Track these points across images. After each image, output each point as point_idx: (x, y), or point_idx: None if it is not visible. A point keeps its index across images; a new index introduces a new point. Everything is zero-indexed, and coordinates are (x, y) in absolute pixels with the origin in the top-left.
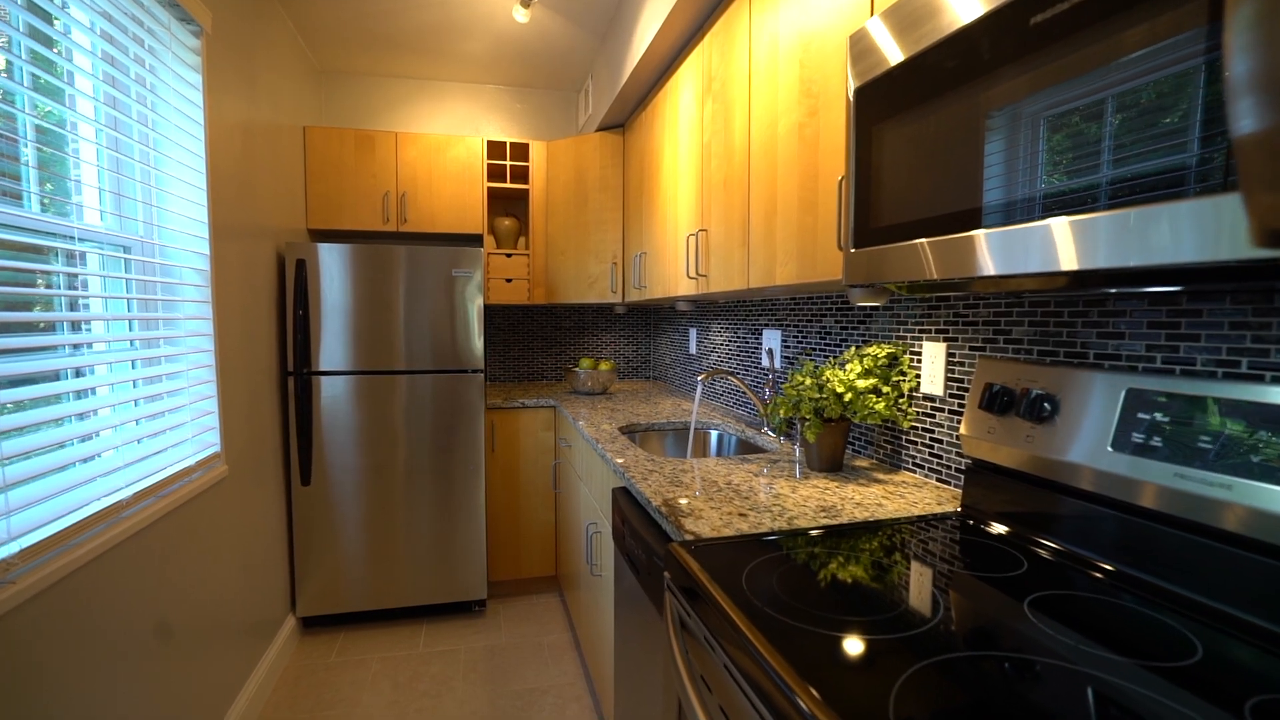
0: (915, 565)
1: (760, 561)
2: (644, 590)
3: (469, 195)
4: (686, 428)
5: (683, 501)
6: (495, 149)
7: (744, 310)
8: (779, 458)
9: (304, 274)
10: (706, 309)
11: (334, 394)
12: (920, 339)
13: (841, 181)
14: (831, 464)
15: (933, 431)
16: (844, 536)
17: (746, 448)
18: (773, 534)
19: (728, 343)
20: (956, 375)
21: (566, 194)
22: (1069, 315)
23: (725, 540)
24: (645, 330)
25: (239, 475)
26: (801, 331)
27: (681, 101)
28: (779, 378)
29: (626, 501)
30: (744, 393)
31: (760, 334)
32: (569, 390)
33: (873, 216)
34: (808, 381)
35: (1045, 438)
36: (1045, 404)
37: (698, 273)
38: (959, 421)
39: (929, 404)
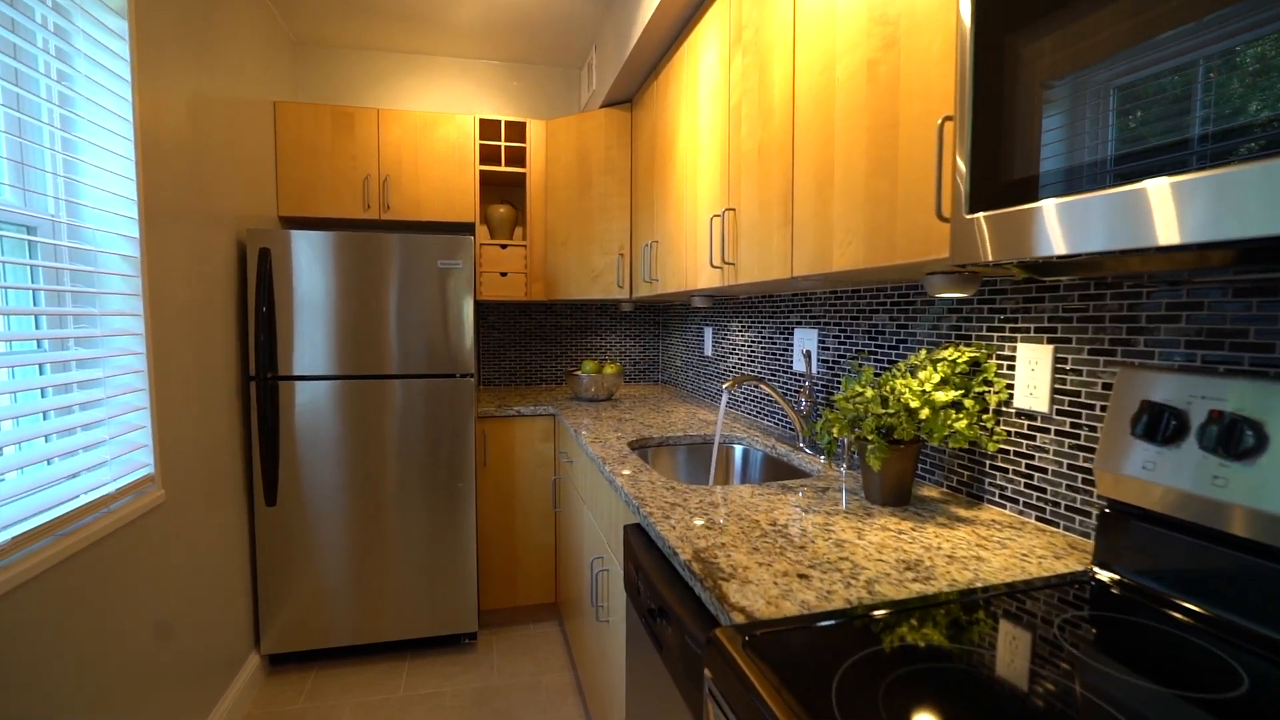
0: (1081, 671)
1: (852, 665)
2: (666, 668)
3: (459, 179)
4: (705, 442)
5: (719, 552)
6: (489, 128)
7: (770, 306)
8: (825, 483)
9: (268, 265)
10: (724, 305)
11: (303, 402)
12: (1014, 339)
13: (944, 124)
14: (898, 496)
15: (1031, 457)
16: (953, 613)
17: (778, 468)
18: (854, 612)
19: (750, 343)
20: (1068, 386)
21: (568, 178)
22: (1259, 307)
23: (790, 624)
24: (654, 329)
25: (182, 499)
26: (844, 331)
27: (702, 61)
28: (816, 385)
29: (642, 545)
30: (770, 400)
31: (791, 333)
32: (570, 396)
33: (1005, 166)
34: (868, 393)
35: (1249, 481)
36: (1247, 432)
37: (723, 261)
38: (1072, 446)
39: (1025, 422)
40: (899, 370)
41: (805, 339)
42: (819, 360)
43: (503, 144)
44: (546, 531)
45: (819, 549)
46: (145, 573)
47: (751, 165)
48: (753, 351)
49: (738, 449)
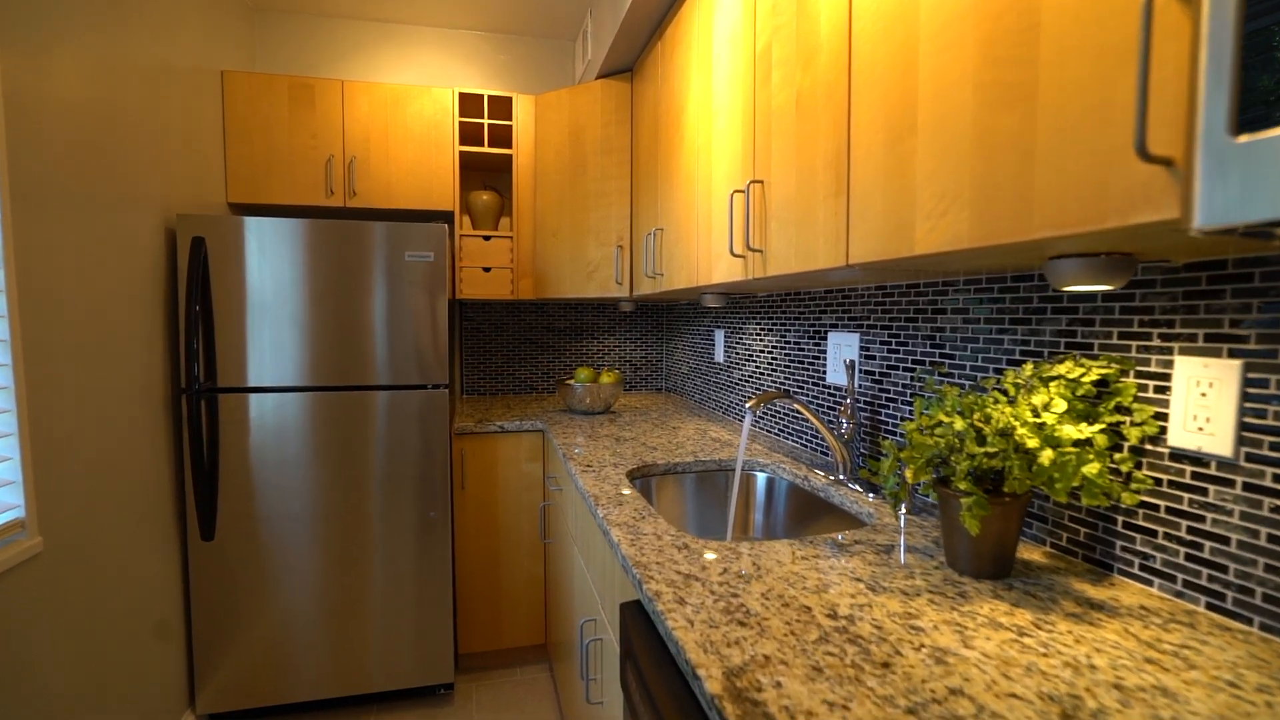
0: None
1: None
2: None
3: (436, 162)
4: (721, 469)
5: (763, 677)
6: (470, 104)
7: (797, 305)
8: (886, 539)
9: (202, 257)
10: (740, 304)
11: (246, 418)
12: (1167, 351)
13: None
14: (997, 565)
15: (1199, 519)
16: None
17: (814, 505)
18: None
19: (770, 349)
20: (1270, 420)
21: (560, 160)
22: None
23: None
24: (658, 332)
25: (72, 545)
26: (896, 336)
27: (719, 3)
28: (859, 403)
29: (645, 637)
30: (797, 416)
31: (823, 338)
32: (562, 408)
33: None
34: (957, 423)
35: None
36: None
37: (747, 248)
38: (1270, 505)
39: (1187, 468)
40: (998, 392)
41: (844, 345)
42: (861, 372)
43: (486, 122)
44: (535, 564)
45: (911, 668)
46: (18, 638)
47: (786, 123)
48: (774, 359)
49: (760, 478)
